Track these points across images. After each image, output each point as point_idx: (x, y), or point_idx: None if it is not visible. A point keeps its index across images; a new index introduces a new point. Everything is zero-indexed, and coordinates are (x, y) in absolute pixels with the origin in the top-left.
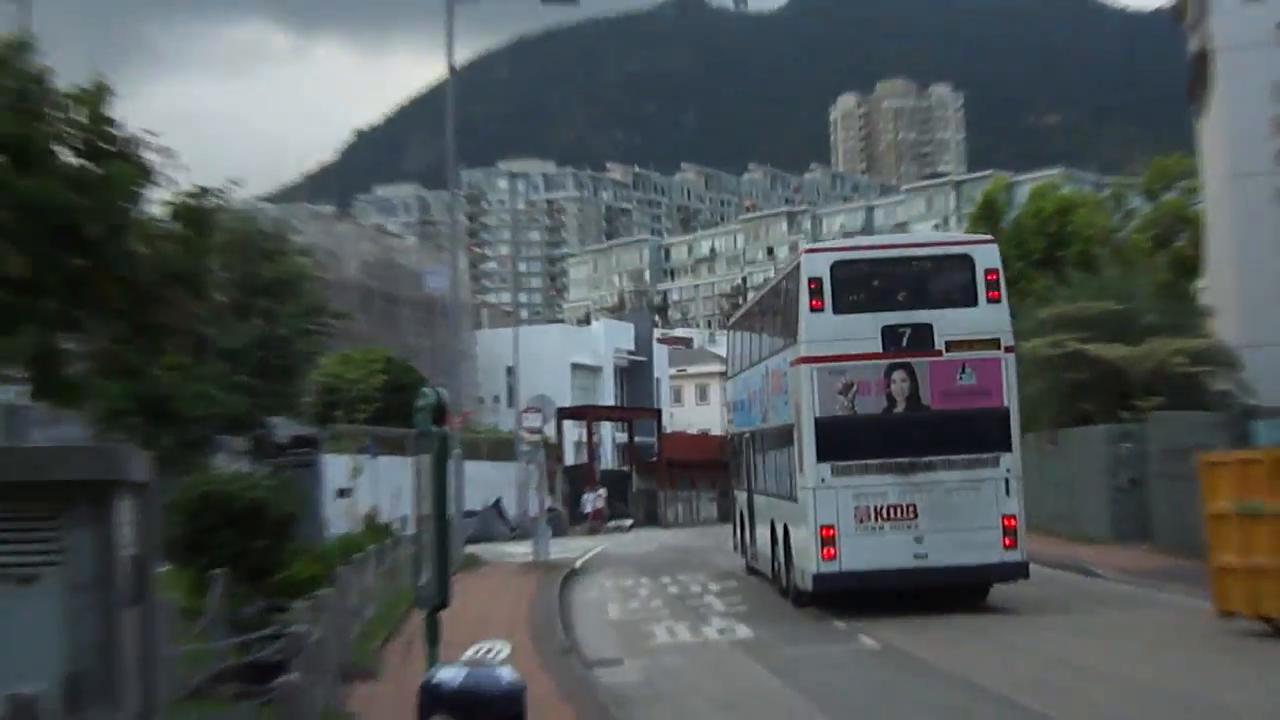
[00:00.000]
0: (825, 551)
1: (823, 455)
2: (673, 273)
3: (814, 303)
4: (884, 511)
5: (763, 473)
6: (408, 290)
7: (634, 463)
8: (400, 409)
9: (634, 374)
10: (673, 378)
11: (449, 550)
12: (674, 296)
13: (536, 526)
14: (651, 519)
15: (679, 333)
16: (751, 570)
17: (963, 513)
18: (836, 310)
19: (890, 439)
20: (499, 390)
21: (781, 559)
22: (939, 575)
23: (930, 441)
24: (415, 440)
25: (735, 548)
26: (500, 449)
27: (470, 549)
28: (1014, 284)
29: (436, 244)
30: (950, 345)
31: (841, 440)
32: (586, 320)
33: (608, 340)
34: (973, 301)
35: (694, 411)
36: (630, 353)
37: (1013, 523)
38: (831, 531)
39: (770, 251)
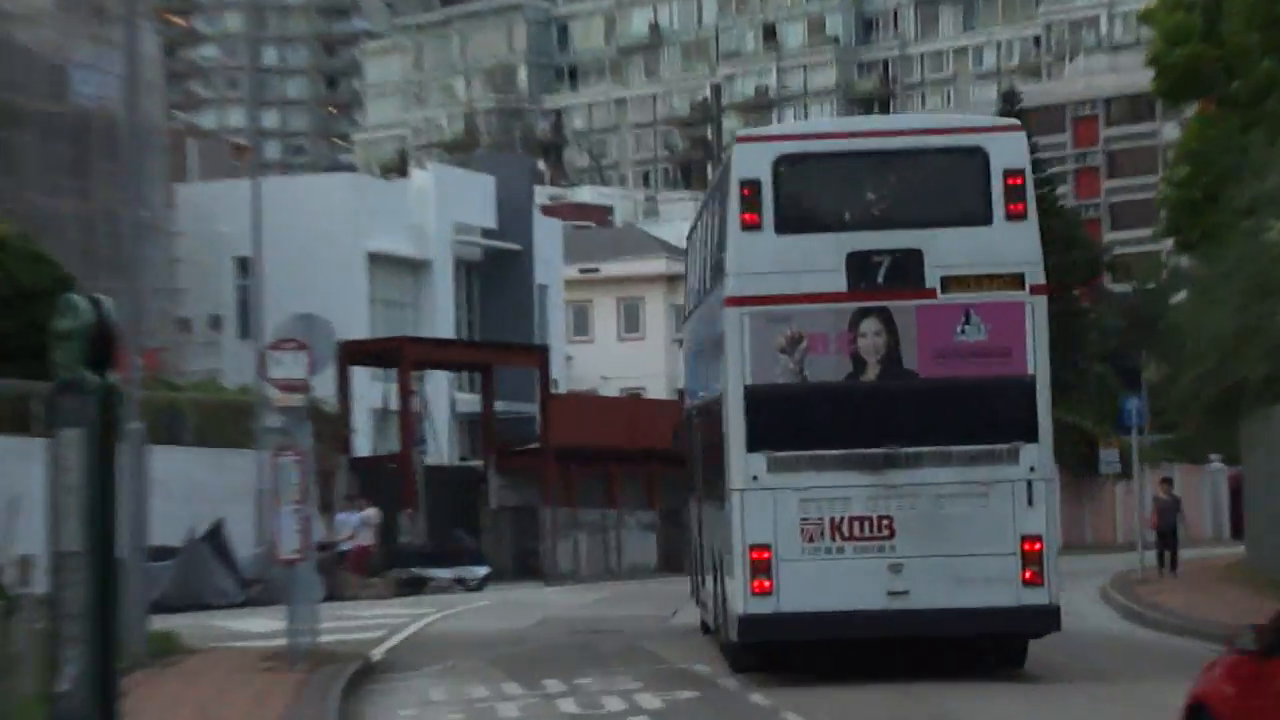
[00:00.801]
0: (755, 583)
1: (756, 442)
2: (574, 74)
3: (747, 216)
4: (845, 526)
5: (703, 471)
6: (39, 99)
7: (492, 453)
8: (19, 340)
9: (496, 275)
10: (574, 283)
11: (115, 627)
12: (576, 123)
13: (294, 579)
14: (527, 564)
15: (585, 196)
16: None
17: (962, 530)
18: (781, 229)
19: (856, 420)
20: (223, 306)
21: (721, 603)
22: (925, 622)
23: (916, 424)
24: (50, 402)
25: (693, 595)
26: (224, 423)
27: (163, 622)
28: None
29: (95, 7)
30: (949, 282)
31: (784, 420)
32: (401, 168)
33: (442, 207)
34: (985, 218)
35: (616, 351)
36: (489, 233)
37: (1038, 546)
38: (766, 554)
39: (770, 32)
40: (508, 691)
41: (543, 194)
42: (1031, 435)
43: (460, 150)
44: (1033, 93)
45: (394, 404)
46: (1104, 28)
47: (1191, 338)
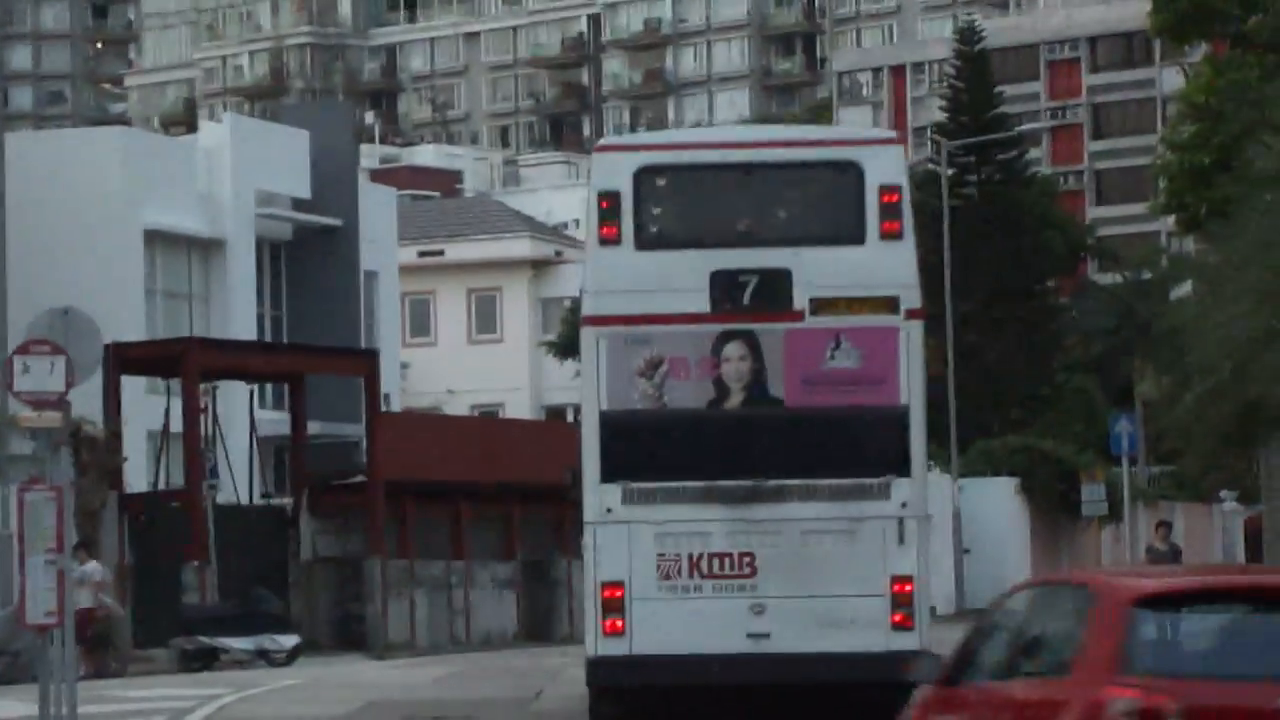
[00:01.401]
0: (609, 623)
1: (611, 472)
2: (413, 1)
3: (605, 230)
4: (704, 564)
5: None
6: None
7: (304, 489)
8: None
9: (311, 258)
10: (413, 270)
11: None
12: (414, 64)
13: (46, 650)
14: (349, 632)
15: (427, 158)
16: None
17: (829, 569)
18: (641, 244)
19: (718, 450)
20: None
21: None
22: (787, 668)
23: (782, 456)
24: None
25: None
26: None
27: None
28: None
29: None
30: (818, 305)
31: (641, 449)
32: (188, 120)
33: (241, 171)
34: (858, 237)
35: (465, 357)
36: (302, 204)
37: (908, 588)
38: (619, 593)
39: None
40: None
41: (371, 155)
42: (904, 469)
43: (265, 98)
44: (998, 29)
45: (178, 425)
46: None
47: (1197, 343)
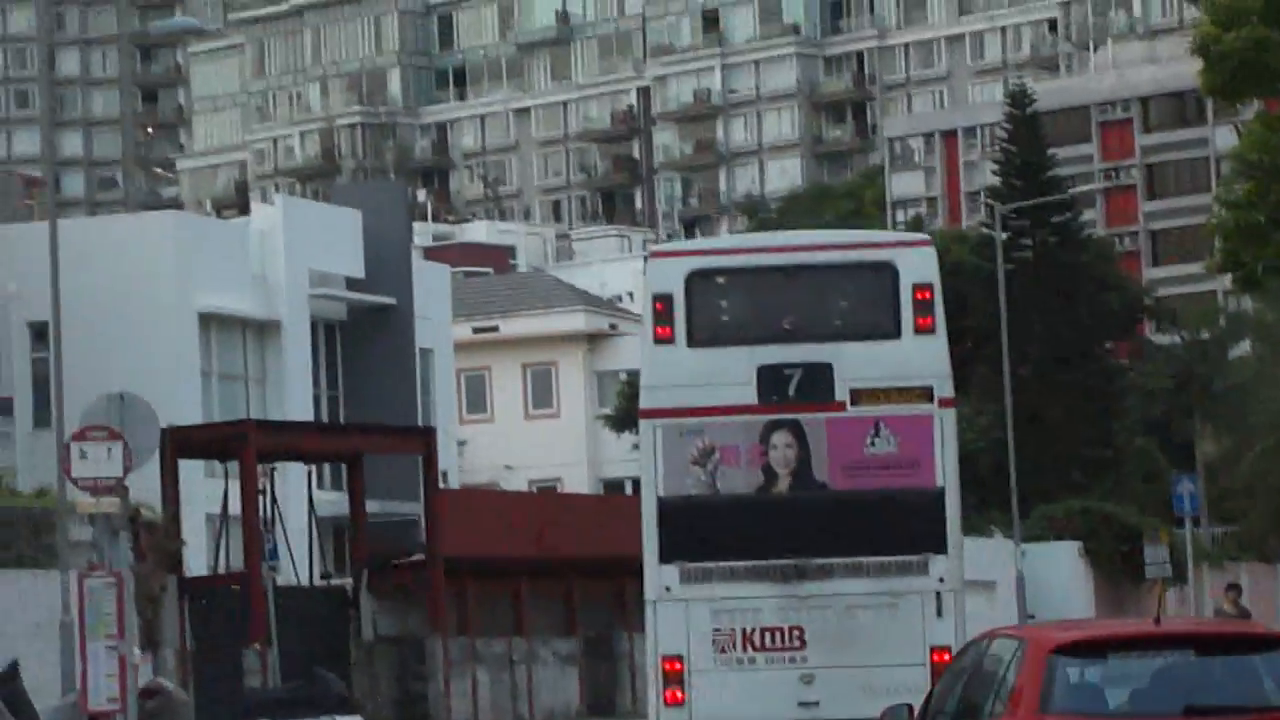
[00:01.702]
0: (669, 694)
1: (669, 553)
2: (461, 78)
3: (660, 330)
4: (757, 638)
5: None
6: None
7: (364, 569)
8: None
9: (365, 337)
10: (467, 346)
11: None
12: (465, 141)
13: None
14: (412, 711)
15: (479, 234)
16: None
17: (873, 641)
18: (693, 342)
19: (767, 531)
20: (13, 385)
21: None
22: None
23: (827, 536)
24: None
25: None
26: (16, 536)
27: None
28: None
29: None
30: (858, 396)
31: (696, 531)
32: (240, 203)
33: (294, 252)
34: (894, 332)
35: (522, 432)
36: (356, 284)
37: (946, 658)
38: (679, 666)
39: (712, 21)
40: None
41: (424, 232)
42: (941, 547)
43: (317, 179)
44: (1049, 91)
45: (236, 507)
46: (1138, 8)
47: (1257, 402)
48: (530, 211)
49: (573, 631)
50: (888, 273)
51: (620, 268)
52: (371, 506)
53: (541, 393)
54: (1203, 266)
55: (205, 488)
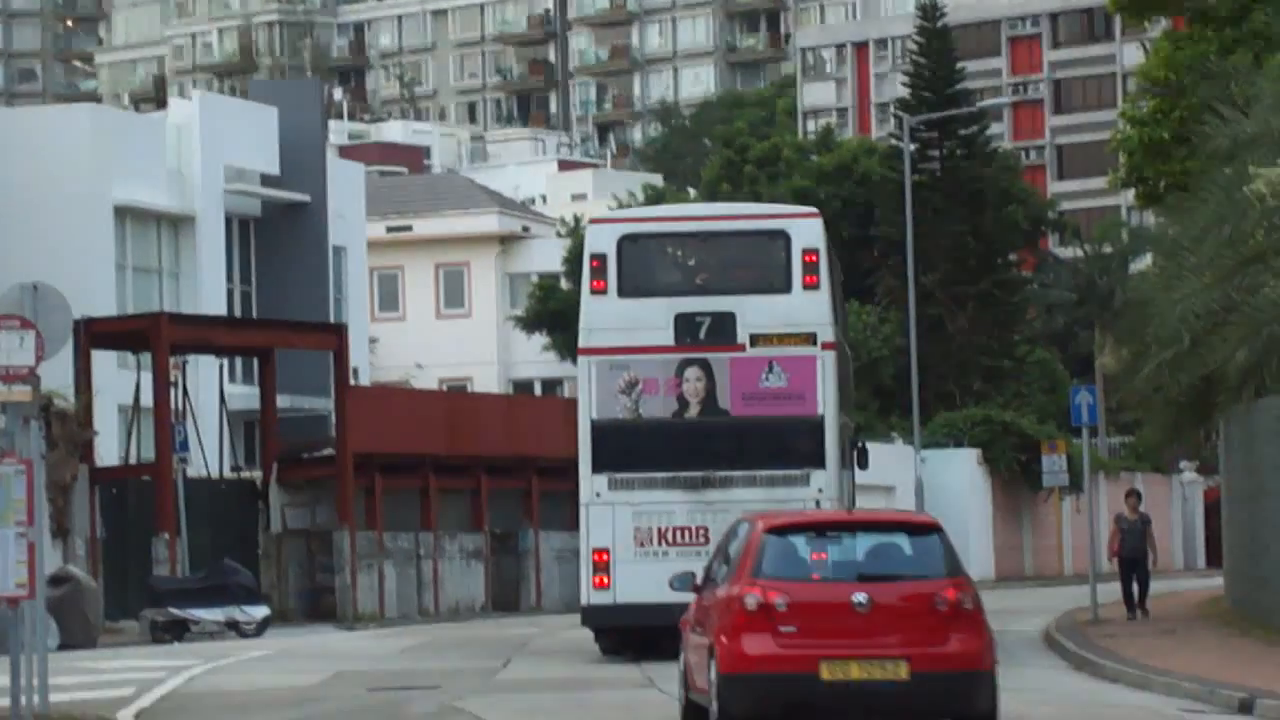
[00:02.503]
0: (597, 579)
1: (599, 465)
2: None
3: (596, 283)
4: (670, 534)
5: None
6: None
7: (273, 463)
8: None
9: (279, 234)
10: (381, 245)
11: None
12: (382, 41)
13: (17, 622)
14: (318, 603)
15: (394, 134)
16: None
17: None
18: (623, 293)
19: (680, 448)
20: None
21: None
22: None
23: (728, 453)
24: None
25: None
26: None
27: None
28: None
29: None
30: (756, 339)
31: (622, 448)
32: (158, 98)
33: (210, 147)
34: (785, 287)
35: (434, 331)
36: (271, 180)
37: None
38: (605, 556)
39: None
40: None
41: (340, 131)
42: (820, 463)
43: (234, 75)
44: (960, 5)
45: (148, 399)
46: None
47: (1157, 315)
48: (445, 112)
49: (479, 528)
50: (782, 239)
51: (534, 171)
52: (282, 401)
53: (453, 292)
54: (1106, 181)
55: (117, 379)
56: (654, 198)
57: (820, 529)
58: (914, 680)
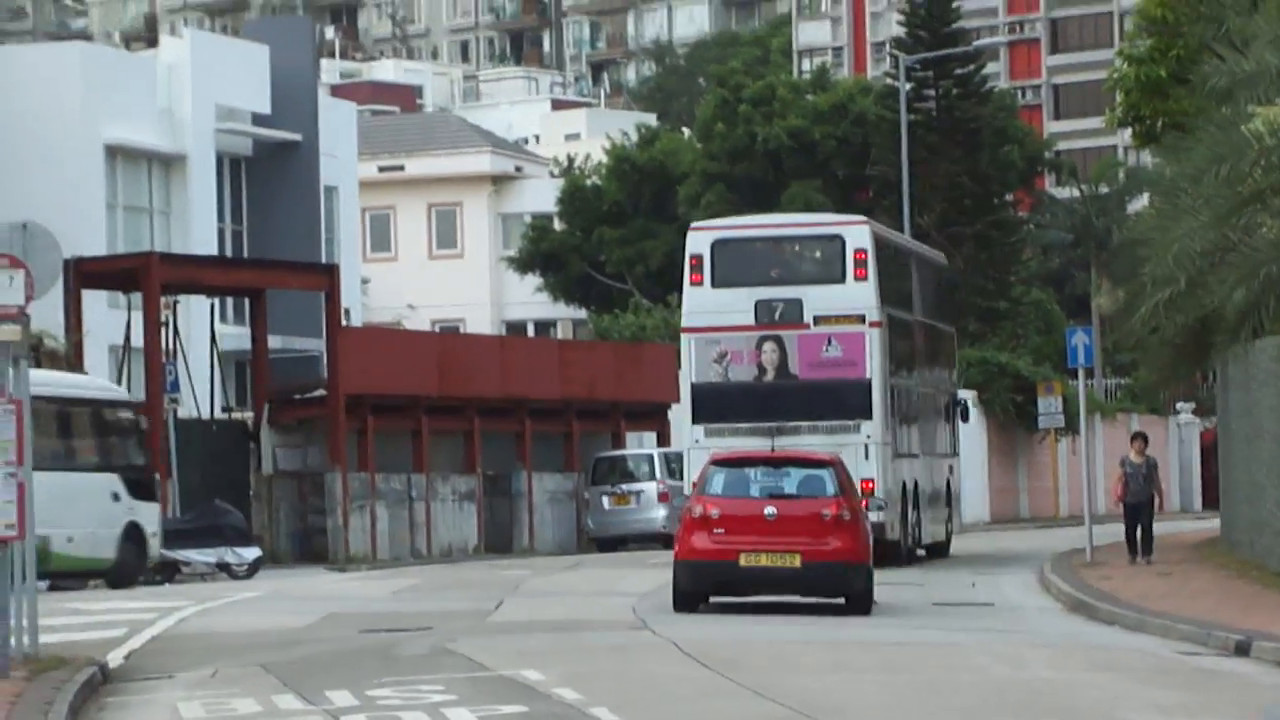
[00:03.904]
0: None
1: (698, 418)
2: None
3: (694, 277)
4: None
5: None
6: None
7: (265, 403)
8: None
9: (271, 174)
10: (373, 185)
11: None
12: None
13: (7, 562)
14: (309, 545)
15: (387, 73)
16: None
17: None
18: (715, 284)
19: (759, 404)
20: None
21: None
22: None
23: (796, 408)
24: None
25: None
26: None
27: None
28: None
29: None
30: (818, 319)
31: (715, 405)
32: (149, 36)
33: (202, 86)
34: (841, 279)
35: (426, 272)
36: (262, 120)
37: (870, 485)
38: None
39: None
40: (282, 706)
41: (332, 70)
42: (868, 415)
43: (226, 14)
44: None
45: (139, 339)
46: None
47: (1154, 255)
48: (438, 51)
49: (472, 470)
50: (838, 241)
51: (527, 110)
52: (274, 342)
53: (446, 233)
54: (1104, 121)
55: (108, 319)
56: (648, 138)
57: (749, 463)
58: (804, 568)
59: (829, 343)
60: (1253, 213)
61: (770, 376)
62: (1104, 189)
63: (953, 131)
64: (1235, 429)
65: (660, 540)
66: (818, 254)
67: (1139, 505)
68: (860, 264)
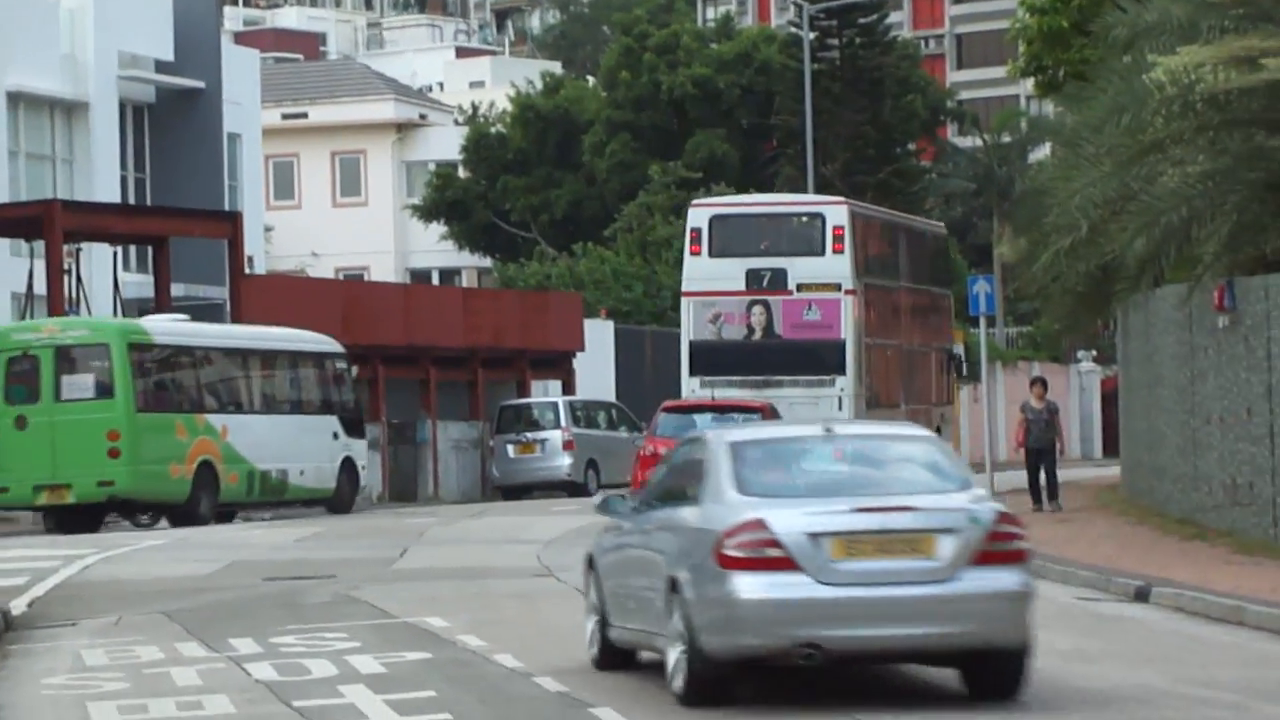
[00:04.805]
0: None
1: (694, 370)
2: None
3: (694, 248)
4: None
5: None
6: None
7: None
8: None
9: (173, 121)
10: (276, 132)
11: None
12: None
13: None
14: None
15: (290, 20)
16: None
17: (803, 420)
18: (712, 254)
19: (748, 360)
20: None
21: None
22: None
23: (781, 364)
24: None
25: None
26: None
27: None
28: None
29: None
30: (800, 287)
31: (710, 360)
32: None
33: (103, 32)
34: (821, 252)
35: (330, 220)
36: (164, 66)
37: None
38: None
39: None
40: (186, 653)
41: (235, 17)
42: (842, 371)
43: None
44: None
45: (42, 286)
46: None
47: (1055, 204)
48: None
49: (376, 418)
50: (819, 219)
51: (431, 57)
52: (177, 290)
53: (350, 181)
54: (1006, 70)
55: (11, 266)
56: (553, 86)
57: (694, 410)
58: None
59: (809, 307)
60: (1154, 162)
61: (758, 336)
62: (1006, 138)
63: (856, 81)
64: (1135, 377)
65: (565, 488)
66: (802, 230)
67: (1041, 450)
68: (838, 239)
